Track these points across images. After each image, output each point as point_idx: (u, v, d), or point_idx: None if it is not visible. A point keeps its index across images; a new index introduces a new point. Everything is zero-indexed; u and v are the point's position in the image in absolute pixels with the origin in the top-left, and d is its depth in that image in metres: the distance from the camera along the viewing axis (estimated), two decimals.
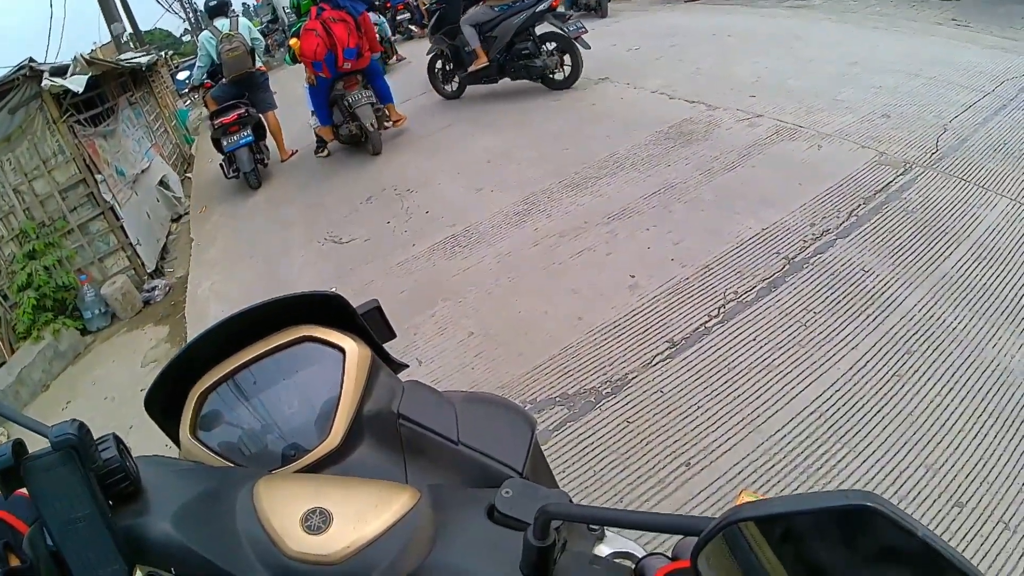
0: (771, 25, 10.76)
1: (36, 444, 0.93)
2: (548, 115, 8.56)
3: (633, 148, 6.67)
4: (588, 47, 9.04)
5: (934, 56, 7.68)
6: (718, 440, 3.22)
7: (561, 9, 9.62)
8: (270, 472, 1.18)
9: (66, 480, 0.91)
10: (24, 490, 0.93)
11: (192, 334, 6.06)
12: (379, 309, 1.54)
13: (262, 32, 11.34)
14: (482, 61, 9.67)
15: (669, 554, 0.86)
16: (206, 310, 6.52)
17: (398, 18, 18.86)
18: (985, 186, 4.87)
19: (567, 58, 9.28)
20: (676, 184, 5.72)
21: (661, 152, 6.43)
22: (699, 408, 3.43)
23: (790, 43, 9.28)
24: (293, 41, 9.95)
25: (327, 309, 1.42)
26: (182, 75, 20.58)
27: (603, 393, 3.67)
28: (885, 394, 3.28)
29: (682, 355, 3.82)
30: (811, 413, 3.25)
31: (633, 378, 3.74)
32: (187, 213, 10.39)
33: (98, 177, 7.65)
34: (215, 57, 9.78)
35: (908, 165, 5.26)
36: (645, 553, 0.92)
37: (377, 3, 17.01)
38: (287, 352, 1.38)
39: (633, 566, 0.88)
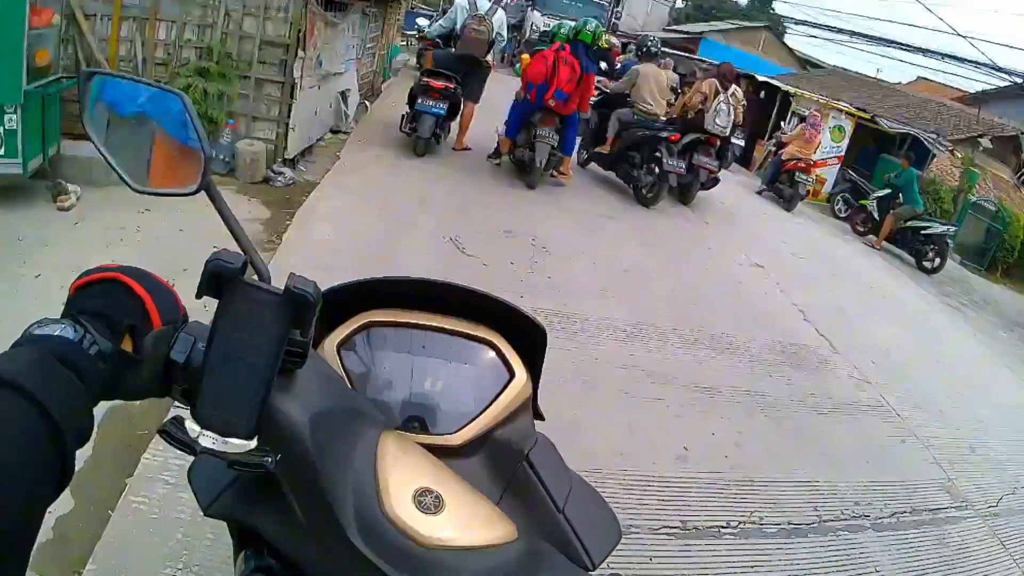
0: (923, 310, 10.78)
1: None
2: (696, 268, 8.79)
3: (750, 342, 6.78)
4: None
5: None
6: None
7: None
8: (396, 429, 1.27)
9: (265, 324, 0.93)
10: (198, 297, 0.95)
11: (291, 236, 6.38)
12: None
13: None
14: (606, 147, 11.18)
15: None
16: (315, 223, 6.76)
17: None
18: (1017, 562, 4.86)
19: (658, 185, 10.74)
20: (767, 395, 5.83)
21: (770, 360, 6.54)
22: None
23: (930, 336, 9.31)
24: (525, 56, 10.41)
25: (518, 330, 1.52)
26: (422, 21, 20.85)
27: None
28: None
29: (686, 540, 3.94)
30: None
31: (634, 533, 3.85)
32: (347, 133, 10.67)
33: (300, 53, 7.86)
34: (458, 27, 9.93)
35: (966, 504, 5.28)
36: None
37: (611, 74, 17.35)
38: (467, 343, 1.48)
39: None
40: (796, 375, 6.44)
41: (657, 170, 10.60)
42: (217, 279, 0.92)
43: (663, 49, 12.76)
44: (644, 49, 11.18)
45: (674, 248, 9.28)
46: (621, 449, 4.56)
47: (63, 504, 3.10)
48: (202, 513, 1.23)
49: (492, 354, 1.49)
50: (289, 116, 8.12)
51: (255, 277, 1.00)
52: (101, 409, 3.43)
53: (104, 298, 0.96)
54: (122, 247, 5.41)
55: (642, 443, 4.71)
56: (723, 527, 4.14)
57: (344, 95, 10.86)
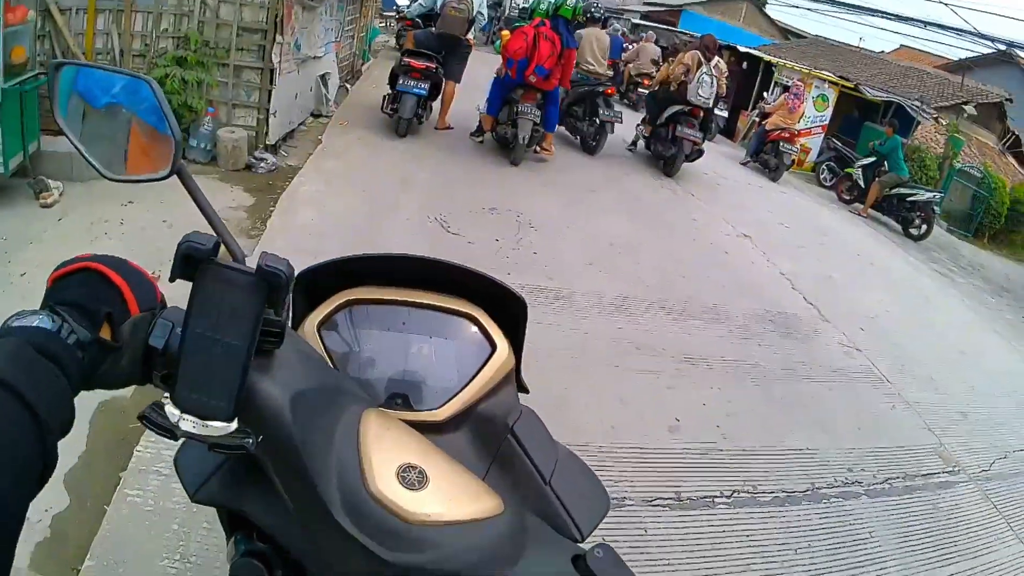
0: (911, 276, 10.86)
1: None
2: (683, 239, 8.82)
3: (738, 312, 6.82)
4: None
5: None
6: None
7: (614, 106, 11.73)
8: (379, 408, 1.26)
9: (239, 305, 0.93)
10: (171, 280, 0.95)
11: (275, 221, 6.37)
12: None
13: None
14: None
15: None
16: (299, 208, 6.75)
17: None
18: (1012, 524, 4.91)
19: (601, 136, 11.54)
20: (757, 364, 5.87)
21: (759, 330, 6.58)
22: (669, 565, 3.57)
23: (919, 301, 9.38)
24: (505, 33, 10.39)
25: (498, 303, 1.51)
26: (402, 1, 20.93)
27: None
28: None
29: (681, 511, 3.96)
30: None
31: (628, 505, 3.88)
32: (328, 116, 10.62)
33: (278, 38, 7.82)
34: (438, 6, 10.02)
35: (958, 468, 5.33)
36: None
37: None
38: (448, 318, 1.48)
39: None
40: (785, 343, 6.47)
41: (597, 121, 11.42)
42: (189, 261, 0.92)
43: (642, 23, 13.16)
44: (588, 15, 11.24)
45: (660, 220, 9.28)
46: (612, 422, 4.58)
47: (58, 501, 3.09)
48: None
49: (473, 328, 1.49)
50: (269, 102, 8.06)
51: (229, 259, 1.00)
52: (92, 404, 3.43)
53: (81, 287, 0.97)
54: (107, 240, 5.37)
55: (633, 415, 4.73)
56: (717, 497, 4.17)
57: (324, 78, 10.80)
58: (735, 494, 4.24)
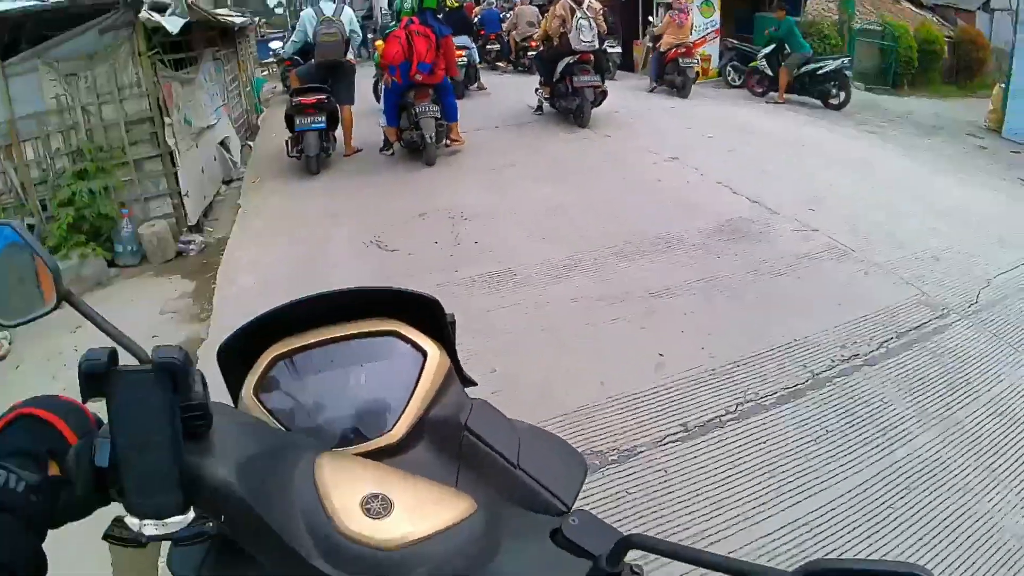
0: (844, 144, 10.85)
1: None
2: (614, 181, 8.71)
3: (688, 232, 6.77)
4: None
5: (993, 211, 7.76)
6: (710, 529, 3.30)
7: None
8: (331, 449, 1.24)
9: (151, 402, 0.92)
10: (83, 403, 0.98)
11: (219, 297, 6.24)
12: (454, 324, 1.56)
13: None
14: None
15: None
16: (238, 277, 6.61)
17: (487, 47, 19.09)
18: (1015, 346, 4.93)
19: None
20: (722, 277, 5.82)
21: (714, 242, 6.53)
22: (698, 495, 3.50)
23: (859, 167, 9.35)
24: (379, 43, 10.40)
25: (416, 310, 1.48)
26: (275, 44, 20.90)
27: (608, 459, 3.75)
28: (878, 523, 3.34)
29: (693, 441, 3.90)
30: (803, 525, 3.32)
31: (641, 451, 3.81)
32: (240, 179, 10.53)
33: (166, 120, 7.75)
34: (310, 37, 9.94)
35: (946, 310, 5.33)
36: None
37: (473, 29, 17.40)
38: (371, 341, 1.45)
39: None
40: (743, 248, 6.44)
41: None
42: (92, 378, 0.93)
43: None
44: None
45: (586, 172, 9.20)
46: (600, 378, 4.50)
47: None
48: None
49: (399, 342, 1.46)
50: (178, 185, 7.99)
51: (135, 362, 1.01)
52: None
53: (19, 435, 0.98)
54: (68, 371, 5.16)
55: (618, 365, 4.66)
56: (722, 416, 4.11)
57: (225, 143, 10.70)
58: (739, 407, 4.19)
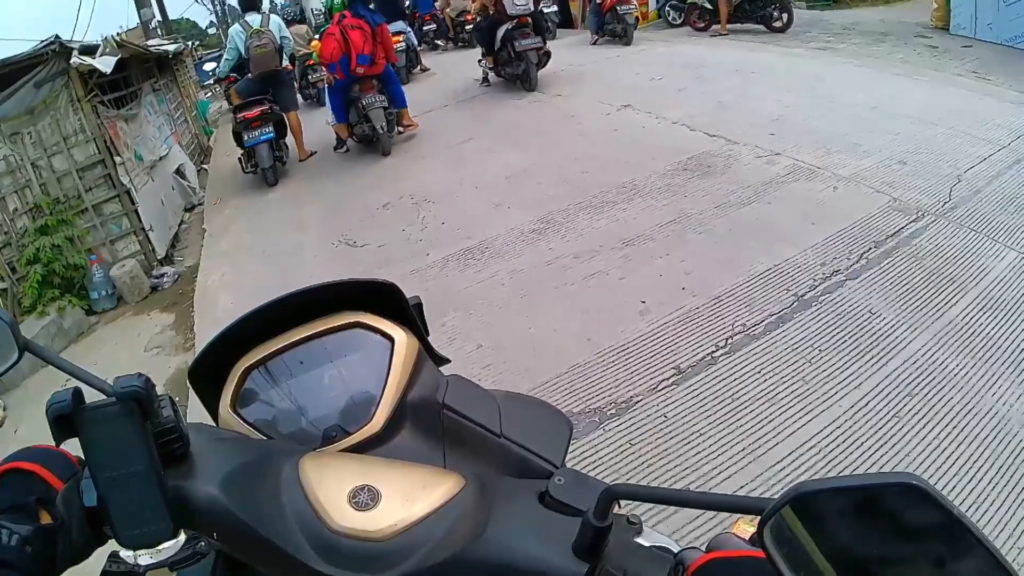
0: (795, 64, 10.82)
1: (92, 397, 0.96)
2: (571, 138, 8.63)
3: (651, 176, 6.72)
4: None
5: (953, 106, 7.72)
6: (718, 467, 3.27)
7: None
8: (314, 450, 1.22)
9: (122, 433, 0.92)
10: (57, 446, 0.98)
11: (200, 324, 6.18)
12: (420, 306, 1.55)
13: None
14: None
15: (703, 548, 0.91)
16: (215, 300, 6.57)
17: (424, 28, 18.97)
18: (995, 238, 4.92)
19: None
20: (692, 215, 5.77)
21: (679, 182, 6.48)
22: (701, 435, 3.48)
23: (812, 84, 9.31)
24: (315, 43, 10.32)
25: (378, 298, 1.47)
26: (208, 66, 20.83)
27: (607, 414, 3.71)
28: (884, 434, 3.33)
29: (688, 382, 3.87)
30: (810, 448, 3.30)
31: (638, 401, 3.78)
32: (201, 204, 10.51)
33: (117, 159, 7.75)
34: (243, 51, 9.91)
35: (921, 212, 5.31)
36: (681, 548, 0.96)
37: (406, 13, 17.26)
38: (337, 336, 1.43)
39: (672, 558, 0.93)
40: (708, 183, 6.39)
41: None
42: (61, 420, 0.92)
43: None
44: None
45: (542, 134, 9.14)
46: (586, 335, 4.46)
47: None
48: None
49: (363, 332, 1.44)
50: (140, 221, 7.97)
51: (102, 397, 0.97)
52: None
53: (6, 490, 0.98)
54: None
55: (602, 319, 4.63)
56: (714, 352, 4.09)
57: (180, 171, 10.67)
58: (729, 341, 4.16)
